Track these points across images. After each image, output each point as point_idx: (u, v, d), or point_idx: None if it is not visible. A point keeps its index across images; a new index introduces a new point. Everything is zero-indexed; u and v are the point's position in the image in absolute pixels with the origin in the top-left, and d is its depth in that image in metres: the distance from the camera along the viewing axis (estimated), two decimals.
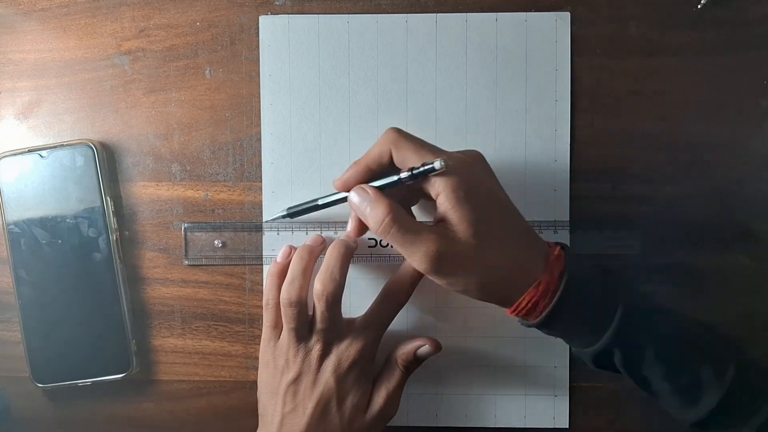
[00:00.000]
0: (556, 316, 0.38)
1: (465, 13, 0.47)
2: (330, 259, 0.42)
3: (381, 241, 0.46)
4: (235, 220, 0.48)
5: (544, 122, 0.46)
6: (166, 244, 0.48)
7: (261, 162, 0.47)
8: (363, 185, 0.40)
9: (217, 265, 0.48)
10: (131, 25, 0.48)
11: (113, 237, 0.47)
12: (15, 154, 0.47)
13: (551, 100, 0.46)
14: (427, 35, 0.47)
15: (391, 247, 0.42)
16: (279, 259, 0.45)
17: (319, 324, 0.42)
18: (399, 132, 0.39)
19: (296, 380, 0.42)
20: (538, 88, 0.46)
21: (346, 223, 0.44)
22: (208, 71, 0.48)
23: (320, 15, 0.47)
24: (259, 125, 0.47)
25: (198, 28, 0.48)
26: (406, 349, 0.44)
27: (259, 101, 0.47)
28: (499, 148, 0.47)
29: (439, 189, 0.38)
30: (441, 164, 0.37)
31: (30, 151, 0.47)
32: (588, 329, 0.39)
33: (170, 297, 0.48)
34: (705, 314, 0.46)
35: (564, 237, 0.46)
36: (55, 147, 0.47)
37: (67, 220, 0.46)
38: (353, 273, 0.46)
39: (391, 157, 0.39)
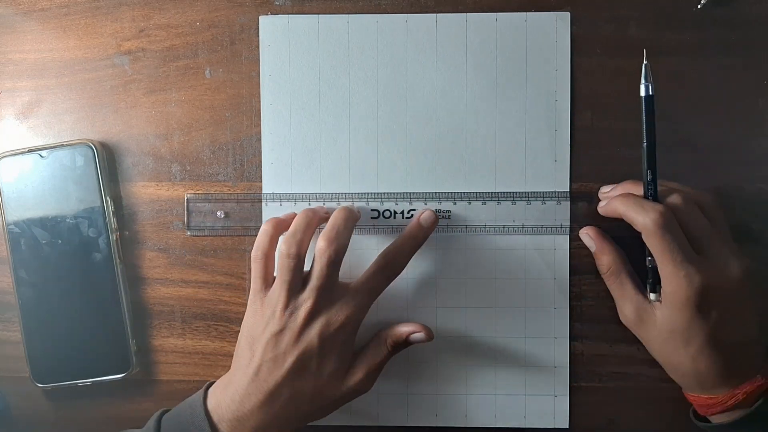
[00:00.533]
0: (747, 426, 0.40)
1: (465, 13, 0.47)
2: (336, 219, 0.43)
3: (383, 212, 0.47)
4: (235, 220, 0.48)
5: (544, 122, 0.46)
6: (166, 244, 0.48)
7: (261, 162, 0.47)
8: (593, 230, 0.45)
9: (219, 235, 0.48)
10: (131, 25, 0.48)
11: (113, 237, 0.47)
12: (15, 154, 0.47)
13: (551, 100, 0.46)
14: (427, 35, 0.47)
15: (394, 218, 0.45)
16: (281, 216, 0.45)
17: (314, 281, 0.42)
18: (665, 229, 0.40)
19: (280, 332, 0.41)
20: (538, 88, 0.46)
21: (349, 196, 0.45)
22: (208, 71, 0.48)
23: (320, 15, 0.47)
24: (259, 125, 0.47)
25: (198, 28, 0.48)
26: (398, 331, 0.44)
27: (259, 101, 0.47)
28: (498, 148, 0.47)
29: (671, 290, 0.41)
30: (655, 298, 0.43)
31: (30, 151, 0.47)
32: None
33: (170, 297, 0.48)
34: None
35: (563, 238, 0.46)
36: (55, 147, 0.47)
37: (67, 220, 0.46)
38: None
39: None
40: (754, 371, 0.41)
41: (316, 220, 0.44)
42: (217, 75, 0.48)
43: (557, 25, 0.46)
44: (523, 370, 0.47)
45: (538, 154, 0.47)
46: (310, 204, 0.47)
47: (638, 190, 0.43)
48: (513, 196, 0.47)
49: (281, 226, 0.44)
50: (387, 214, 0.47)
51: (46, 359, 0.47)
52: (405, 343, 0.44)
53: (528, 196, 0.47)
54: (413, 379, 0.47)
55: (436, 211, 0.47)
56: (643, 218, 0.40)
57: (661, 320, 0.42)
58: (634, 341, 0.47)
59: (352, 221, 0.44)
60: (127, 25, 0.48)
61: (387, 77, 0.47)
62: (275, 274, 0.43)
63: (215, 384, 0.44)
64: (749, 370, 0.41)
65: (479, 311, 0.47)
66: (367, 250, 0.47)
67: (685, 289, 0.40)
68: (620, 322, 0.46)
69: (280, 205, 0.47)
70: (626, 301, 0.44)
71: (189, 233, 0.48)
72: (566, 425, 0.47)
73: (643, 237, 0.41)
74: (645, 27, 0.46)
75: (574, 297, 0.47)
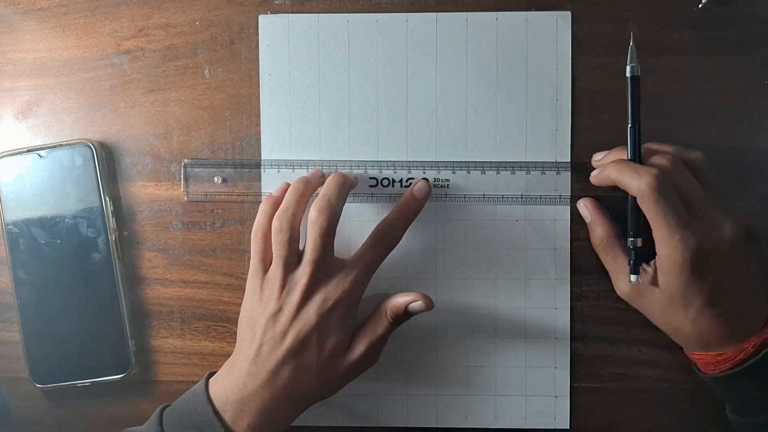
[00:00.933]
0: (751, 375, 0.40)
1: (465, 13, 0.46)
2: (328, 187, 0.42)
3: (382, 181, 0.46)
4: (234, 220, 0.48)
5: (545, 122, 0.46)
6: (166, 244, 0.48)
7: (261, 162, 0.47)
8: (590, 201, 0.46)
9: (218, 201, 0.47)
10: (130, 25, 0.48)
11: (112, 237, 0.47)
12: (14, 154, 0.47)
13: (552, 100, 0.46)
14: (427, 34, 0.47)
15: (393, 186, 0.45)
16: (275, 193, 0.44)
17: (308, 254, 0.41)
18: (661, 193, 0.40)
19: (279, 311, 0.41)
20: (539, 88, 0.46)
21: (348, 163, 0.45)
22: (207, 71, 0.47)
23: (320, 14, 0.47)
24: (258, 125, 0.47)
25: (197, 28, 0.47)
26: (397, 302, 0.43)
27: (259, 101, 0.47)
28: (499, 148, 0.47)
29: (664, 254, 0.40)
30: (635, 279, 0.42)
31: (29, 150, 0.46)
32: None
33: (169, 297, 0.48)
34: None
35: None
36: (54, 147, 0.46)
37: (66, 220, 0.46)
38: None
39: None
40: (757, 326, 0.41)
41: (309, 191, 0.43)
42: (216, 74, 0.47)
43: (558, 25, 0.46)
44: (524, 370, 0.47)
45: (539, 153, 0.46)
46: (308, 171, 0.47)
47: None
48: (513, 166, 0.46)
49: (278, 203, 0.43)
50: (385, 182, 0.47)
51: (45, 360, 0.47)
52: (405, 314, 0.43)
53: (528, 166, 0.46)
54: (413, 380, 0.47)
55: (435, 180, 0.46)
56: (637, 183, 0.40)
57: (658, 288, 0.42)
58: (635, 342, 0.47)
59: (346, 188, 0.43)
60: (127, 24, 0.48)
61: (387, 77, 0.47)
62: (273, 259, 0.43)
63: (217, 372, 0.43)
64: (752, 326, 0.41)
65: (480, 311, 0.47)
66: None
67: (680, 252, 0.39)
68: (621, 322, 0.47)
69: (278, 171, 0.47)
70: (620, 274, 0.44)
71: (187, 198, 0.47)
72: (567, 426, 0.47)
73: (639, 201, 0.41)
74: (645, 27, 0.46)
75: (575, 297, 0.47)
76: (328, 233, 0.41)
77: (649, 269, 0.42)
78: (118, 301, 0.47)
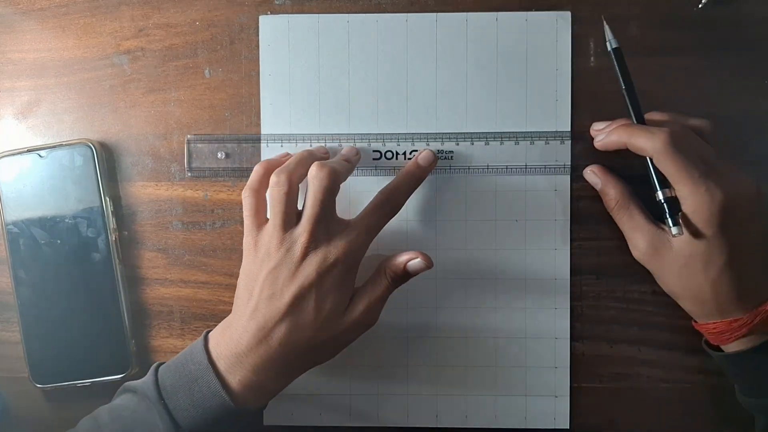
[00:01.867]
0: (763, 353, 0.40)
1: (465, 13, 0.46)
2: (334, 158, 0.43)
3: (385, 153, 0.47)
4: (234, 220, 0.48)
5: (545, 122, 0.46)
6: (166, 244, 0.48)
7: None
8: (597, 167, 0.45)
9: (220, 177, 0.47)
10: (130, 25, 0.48)
11: (112, 237, 0.47)
12: (14, 154, 0.47)
13: (552, 100, 0.46)
14: (427, 35, 0.47)
15: (396, 159, 0.46)
16: (274, 157, 0.44)
17: (308, 209, 0.41)
18: (678, 147, 0.39)
19: (276, 269, 0.40)
20: (539, 88, 0.46)
21: (351, 137, 0.46)
22: (207, 71, 0.47)
23: (320, 14, 0.47)
24: (258, 125, 0.47)
25: (197, 28, 0.47)
26: (396, 261, 0.42)
27: (259, 101, 0.47)
28: (499, 149, 0.47)
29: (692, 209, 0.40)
30: (677, 231, 0.40)
31: (29, 150, 0.47)
32: None
33: (169, 297, 0.48)
34: None
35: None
36: (54, 147, 0.46)
37: (66, 220, 0.46)
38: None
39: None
40: (766, 295, 0.41)
41: (312, 160, 0.43)
42: (216, 74, 0.47)
43: (558, 25, 0.46)
44: (524, 370, 0.47)
45: (539, 153, 0.46)
46: (311, 145, 0.47)
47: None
48: (516, 136, 0.46)
49: (273, 165, 0.43)
50: (389, 155, 0.47)
51: (45, 360, 0.47)
52: (405, 273, 0.42)
53: (531, 136, 0.46)
54: (413, 380, 0.47)
55: (438, 152, 0.46)
56: (652, 141, 0.40)
57: (678, 246, 0.41)
58: (635, 342, 0.47)
59: (351, 165, 0.44)
60: (126, 24, 0.48)
61: (387, 77, 0.47)
62: (269, 216, 0.42)
63: (214, 329, 0.43)
64: (763, 294, 0.41)
65: (480, 311, 0.47)
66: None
67: (708, 204, 0.39)
68: (621, 322, 0.47)
69: (281, 146, 0.47)
70: (638, 233, 0.43)
71: (189, 174, 0.47)
72: (567, 426, 0.47)
73: (656, 161, 0.40)
74: (645, 27, 0.46)
75: (575, 297, 0.47)
76: (329, 189, 0.41)
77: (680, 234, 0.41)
78: (118, 301, 0.47)
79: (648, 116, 0.43)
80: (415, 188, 0.45)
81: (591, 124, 0.46)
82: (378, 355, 0.47)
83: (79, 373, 0.47)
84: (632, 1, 0.46)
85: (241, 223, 0.47)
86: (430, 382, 0.47)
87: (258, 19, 0.47)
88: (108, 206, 0.47)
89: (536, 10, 0.46)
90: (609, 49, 0.43)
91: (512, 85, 0.46)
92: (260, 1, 0.47)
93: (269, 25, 0.47)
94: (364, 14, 0.47)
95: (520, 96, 0.46)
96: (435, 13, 0.47)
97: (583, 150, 0.46)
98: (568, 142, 0.46)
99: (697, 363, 0.47)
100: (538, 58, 0.46)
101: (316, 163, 0.41)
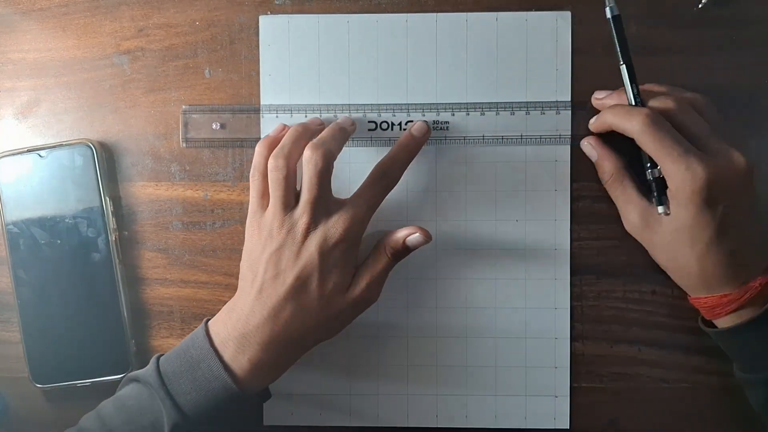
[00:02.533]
0: (757, 328, 0.40)
1: (465, 13, 0.46)
2: (325, 132, 0.43)
3: (381, 124, 0.47)
4: (234, 220, 0.48)
5: (545, 122, 0.46)
6: (166, 244, 0.48)
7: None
8: (594, 138, 0.45)
9: (215, 147, 0.47)
10: (130, 25, 0.48)
11: (112, 237, 0.47)
12: (14, 154, 0.47)
13: (552, 100, 0.46)
14: (427, 35, 0.47)
15: (392, 129, 0.45)
16: (272, 134, 0.44)
17: (305, 193, 0.41)
18: (656, 128, 0.40)
19: (279, 250, 0.41)
20: (539, 88, 0.46)
21: (347, 107, 0.45)
22: (207, 71, 0.47)
23: (320, 15, 0.47)
24: (258, 125, 0.47)
25: (197, 28, 0.47)
26: (395, 237, 0.43)
27: (259, 101, 0.47)
28: (499, 149, 0.47)
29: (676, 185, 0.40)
30: (663, 210, 0.42)
31: (29, 150, 0.47)
32: None
33: (169, 297, 0.48)
34: None
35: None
36: (54, 147, 0.46)
37: (66, 220, 0.46)
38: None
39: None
40: (760, 267, 0.41)
41: (308, 135, 0.43)
42: (216, 74, 0.47)
43: (558, 25, 0.46)
44: (524, 370, 0.47)
45: (539, 153, 0.46)
46: (306, 116, 0.47)
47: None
48: (512, 107, 0.46)
49: (274, 143, 0.43)
50: (384, 125, 0.47)
51: (45, 360, 0.47)
52: (404, 248, 0.43)
53: (527, 106, 0.46)
54: (413, 380, 0.47)
55: (434, 122, 0.46)
56: (631, 123, 0.40)
57: (667, 220, 0.42)
58: (635, 342, 0.47)
59: (344, 136, 0.44)
60: (127, 24, 0.48)
61: (387, 77, 0.47)
62: (270, 199, 0.43)
63: (216, 315, 0.43)
64: (756, 267, 0.41)
65: (480, 311, 0.47)
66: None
67: (689, 182, 0.39)
68: (621, 322, 0.47)
69: (276, 116, 0.47)
70: (630, 206, 0.44)
71: (185, 145, 0.47)
72: (567, 426, 0.47)
73: (638, 143, 0.41)
74: (645, 27, 0.46)
75: (575, 297, 0.47)
76: (324, 171, 0.41)
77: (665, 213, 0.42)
78: (118, 301, 0.47)
79: (645, 88, 0.43)
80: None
81: (590, 96, 0.46)
82: (378, 355, 0.47)
83: (79, 373, 0.47)
84: (632, 1, 0.46)
85: (242, 223, 0.47)
86: (430, 382, 0.47)
87: (258, 19, 0.47)
88: (108, 206, 0.47)
89: (536, 10, 0.46)
90: (608, 16, 0.43)
91: (512, 84, 0.46)
92: (260, 1, 0.47)
93: (269, 25, 0.47)
94: (364, 14, 0.47)
95: (520, 96, 0.46)
96: (435, 13, 0.47)
97: (584, 120, 0.46)
98: (564, 112, 0.46)
99: (697, 363, 0.47)
100: (538, 58, 0.46)
101: (309, 145, 0.41)
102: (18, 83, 0.48)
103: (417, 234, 0.43)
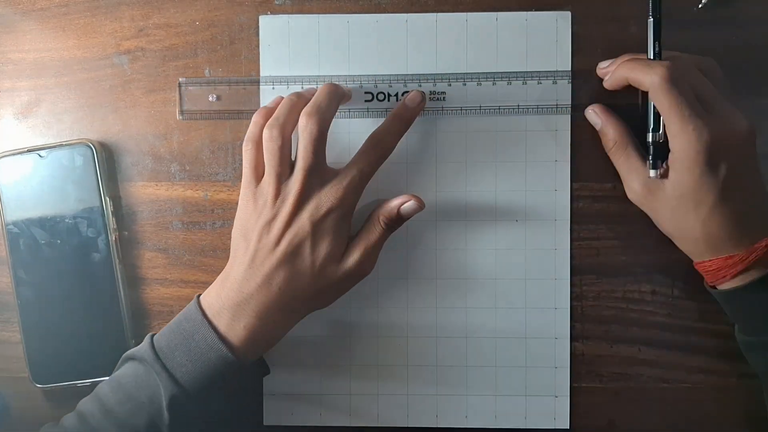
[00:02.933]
0: (761, 289, 0.40)
1: (465, 13, 0.46)
2: (319, 95, 0.43)
3: (377, 95, 0.46)
4: (234, 218, 0.48)
5: (545, 122, 0.46)
6: (166, 244, 0.48)
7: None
8: (598, 106, 0.45)
9: (212, 119, 0.47)
10: (130, 25, 0.48)
11: (112, 237, 0.47)
12: (14, 154, 0.47)
13: (552, 100, 0.46)
14: (427, 35, 0.47)
15: (388, 100, 0.46)
16: (269, 104, 0.45)
17: (299, 161, 0.41)
18: (673, 83, 0.39)
19: (273, 219, 0.41)
20: (540, 91, 0.46)
21: (343, 78, 0.45)
22: (207, 71, 0.47)
23: (320, 15, 0.47)
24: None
25: (197, 28, 0.47)
26: (388, 207, 0.43)
27: (259, 101, 0.47)
28: (499, 148, 0.47)
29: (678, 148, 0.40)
30: (654, 174, 0.42)
31: (29, 150, 0.47)
32: None
33: (169, 297, 0.48)
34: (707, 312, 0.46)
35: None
36: (54, 147, 0.46)
37: (66, 220, 0.46)
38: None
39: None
40: (764, 232, 0.41)
41: (302, 103, 0.43)
42: (216, 75, 0.47)
43: (558, 25, 0.46)
44: (524, 370, 0.47)
45: (539, 153, 0.46)
46: (302, 87, 0.47)
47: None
48: (508, 76, 0.46)
49: (271, 114, 0.43)
50: (381, 96, 0.47)
51: (45, 360, 0.47)
52: (398, 217, 0.43)
53: (524, 76, 0.46)
54: (413, 380, 0.47)
55: (431, 93, 0.46)
56: (650, 75, 0.40)
57: (670, 186, 0.41)
58: (635, 342, 0.47)
59: (337, 96, 0.43)
60: (127, 24, 0.48)
61: (387, 77, 0.47)
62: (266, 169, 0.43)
63: (209, 288, 0.43)
64: (761, 229, 0.41)
65: (480, 311, 0.47)
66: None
67: (694, 143, 0.39)
68: (621, 322, 0.47)
69: (273, 88, 0.47)
70: (633, 174, 0.44)
71: (181, 117, 0.47)
72: (567, 426, 0.47)
73: (651, 96, 0.41)
74: (645, 27, 0.46)
75: (575, 297, 0.47)
76: (319, 139, 0.41)
77: (663, 168, 0.42)
78: (117, 301, 0.47)
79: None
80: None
81: (591, 67, 0.46)
82: (378, 355, 0.47)
83: (79, 373, 0.47)
84: (632, 1, 0.46)
85: None
86: (430, 382, 0.47)
87: (258, 19, 0.47)
88: (108, 206, 0.47)
89: (536, 10, 0.46)
90: None
91: (512, 84, 0.46)
92: (260, 1, 0.47)
93: (269, 25, 0.47)
94: (364, 14, 0.47)
95: (520, 95, 0.46)
96: (435, 14, 0.47)
97: (584, 90, 0.46)
98: (561, 82, 0.46)
99: (697, 363, 0.47)
100: (539, 58, 0.46)
101: (304, 112, 0.42)
102: (18, 83, 0.48)
103: (411, 201, 0.43)
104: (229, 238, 0.48)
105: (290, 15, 0.47)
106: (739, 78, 0.46)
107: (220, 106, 0.47)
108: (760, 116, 0.46)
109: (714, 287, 0.43)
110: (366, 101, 0.47)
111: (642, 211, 0.45)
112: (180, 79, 0.47)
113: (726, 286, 0.42)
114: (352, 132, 0.47)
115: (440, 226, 0.47)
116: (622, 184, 0.45)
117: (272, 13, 0.47)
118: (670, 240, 0.44)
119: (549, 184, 0.47)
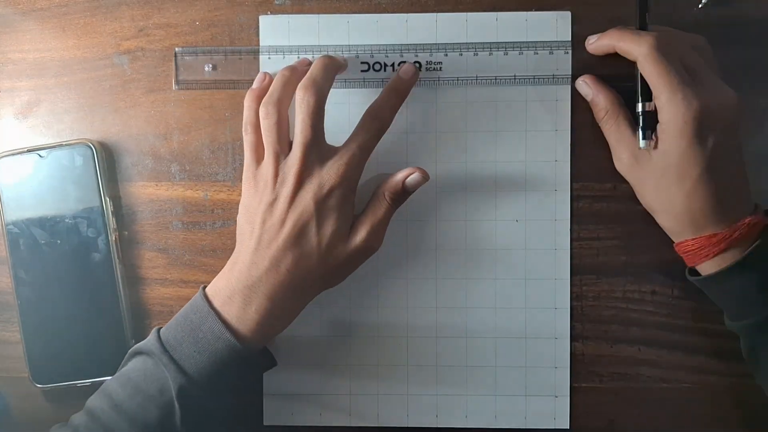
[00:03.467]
0: (744, 271, 0.40)
1: (465, 13, 0.46)
2: (314, 68, 0.42)
3: (374, 65, 0.46)
4: (234, 220, 0.48)
5: (545, 122, 0.46)
6: (166, 244, 0.48)
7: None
8: (589, 77, 0.45)
9: (208, 89, 0.47)
10: (130, 25, 0.48)
11: (112, 237, 0.47)
12: (14, 154, 0.47)
13: (552, 100, 0.46)
14: (427, 35, 0.47)
15: (384, 71, 0.46)
16: (255, 85, 0.44)
17: (298, 137, 0.41)
18: (662, 53, 0.40)
19: (275, 201, 0.41)
20: (540, 91, 0.46)
21: (340, 48, 0.45)
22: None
23: (320, 15, 0.47)
24: None
25: (197, 28, 0.47)
26: (393, 181, 0.43)
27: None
28: (499, 148, 0.47)
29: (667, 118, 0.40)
30: (644, 144, 0.42)
31: (29, 150, 0.47)
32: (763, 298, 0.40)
33: (169, 297, 0.48)
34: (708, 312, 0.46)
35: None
36: (54, 147, 0.46)
37: (66, 220, 0.46)
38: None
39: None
40: (749, 208, 0.41)
41: (296, 77, 0.43)
42: (216, 74, 0.47)
43: (558, 25, 0.46)
44: (524, 370, 0.47)
45: (539, 153, 0.46)
46: (299, 58, 0.46)
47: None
48: (505, 47, 0.46)
49: (262, 94, 0.43)
50: (377, 66, 0.46)
51: (45, 360, 0.47)
52: (403, 191, 0.43)
53: (521, 46, 0.46)
54: (413, 379, 0.47)
55: (427, 63, 0.46)
56: (638, 45, 0.40)
57: (657, 157, 0.42)
58: (635, 342, 0.47)
59: (333, 68, 0.43)
60: (127, 24, 0.48)
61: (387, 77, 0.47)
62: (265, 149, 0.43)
63: (217, 275, 0.43)
64: (744, 207, 0.41)
65: (480, 310, 0.47)
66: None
67: (683, 113, 0.39)
68: (621, 322, 0.47)
69: (269, 58, 0.47)
70: (622, 144, 0.44)
71: (177, 87, 0.47)
72: (567, 426, 0.47)
73: (639, 65, 0.41)
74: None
75: (575, 297, 0.47)
76: (316, 112, 0.41)
77: (654, 138, 0.42)
78: (117, 301, 0.47)
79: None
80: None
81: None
82: (378, 355, 0.47)
83: (79, 373, 0.47)
84: (632, 1, 0.46)
85: None
86: (430, 382, 0.47)
87: (258, 19, 0.47)
88: (108, 206, 0.47)
89: (536, 10, 0.46)
90: None
91: (508, 54, 0.46)
92: (260, 1, 0.47)
93: (269, 25, 0.47)
94: (364, 14, 0.47)
95: (520, 95, 0.46)
96: (435, 14, 0.47)
97: (582, 58, 0.46)
98: (558, 52, 0.46)
99: (697, 363, 0.47)
100: (538, 58, 0.46)
101: (300, 85, 0.41)
102: (18, 83, 0.48)
103: (415, 174, 0.43)
104: (230, 239, 0.48)
105: (290, 15, 0.47)
106: (739, 78, 0.46)
107: (217, 76, 0.47)
108: (761, 116, 0.46)
109: (695, 274, 0.43)
110: (362, 71, 0.46)
111: (642, 211, 0.45)
112: (176, 49, 0.47)
113: (706, 270, 0.42)
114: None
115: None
116: (622, 184, 0.45)
117: (272, 13, 0.47)
118: (670, 240, 0.44)
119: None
